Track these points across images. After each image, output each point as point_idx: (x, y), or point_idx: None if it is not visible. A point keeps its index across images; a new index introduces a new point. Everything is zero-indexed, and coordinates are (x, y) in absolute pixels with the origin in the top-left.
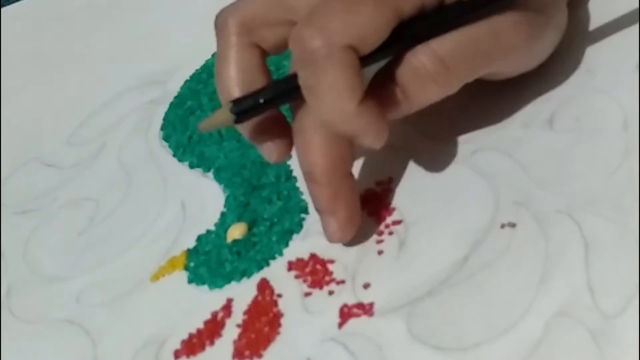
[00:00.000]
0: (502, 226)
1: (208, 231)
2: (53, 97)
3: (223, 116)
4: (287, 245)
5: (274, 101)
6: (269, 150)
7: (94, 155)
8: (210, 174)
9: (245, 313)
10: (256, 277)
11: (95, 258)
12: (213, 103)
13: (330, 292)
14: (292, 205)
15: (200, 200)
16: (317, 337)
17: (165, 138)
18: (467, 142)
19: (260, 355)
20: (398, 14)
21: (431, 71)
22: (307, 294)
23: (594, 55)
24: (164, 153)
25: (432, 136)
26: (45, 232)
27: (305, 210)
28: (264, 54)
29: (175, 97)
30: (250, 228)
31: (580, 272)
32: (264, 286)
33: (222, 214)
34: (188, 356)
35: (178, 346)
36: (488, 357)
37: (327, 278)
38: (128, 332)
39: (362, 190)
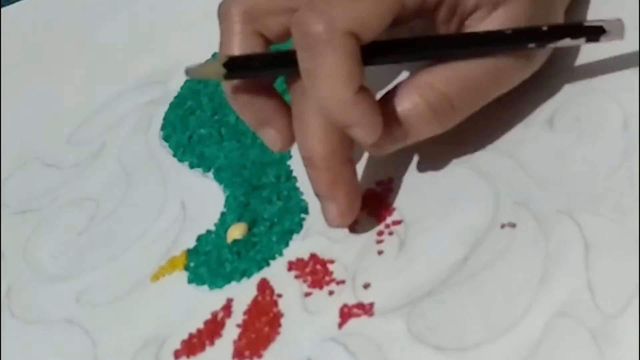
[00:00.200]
0: (502, 226)
1: (208, 231)
2: (53, 97)
3: (214, 68)
4: (287, 245)
5: (268, 68)
6: (272, 139)
7: (94, 155)
8: (210, 174)
9: (245, 313)
10: (256, 277)
11: (95, 258)
12: (213, 103)
13: (331, 292)
14: (292, 205)
15: (200, 200)
16: (317, 337)
17: (165, 138)
18: (467, 142)
19: (260, 355)
20: (400, 3)
21: (437, 110)
22: (307, 294)
23: (594, 56)
24: (164, 153)
25: (432, 137)
26: (45, 232)
27: (305, 210)
28: (267, 42)
29: (175, 97)
30: (250, 228)
31: (580, 272)
32: (264, 286)
33: (222, 214)
34: (188, 356)
35: (178, 346)
36: (488, 357)
37: (327, 278)
38: (128, 332)
39: (362, 190)
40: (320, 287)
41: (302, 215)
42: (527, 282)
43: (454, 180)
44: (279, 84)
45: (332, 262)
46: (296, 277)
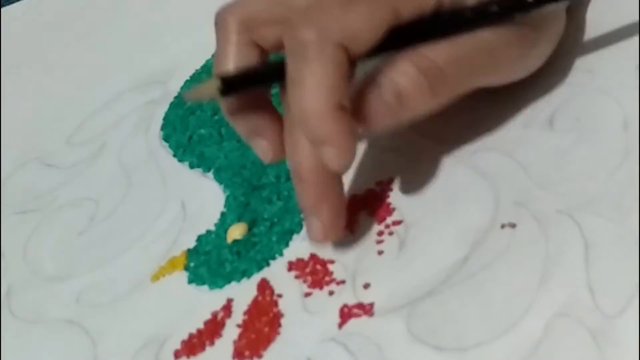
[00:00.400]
0: (502, 226)
1: (208, 231)
2: (53, 97)
3: (209, 89)
4: (287, 245)
5: (262, 82)
6: (263, 150)
7: (94, 155)
8: (210, 174)
9: (245, 313)
10: (256, 277)
11: (95, 258)
12: (213, 103)
13: (331, 292)
14: (292, 205)
15: (200, 200)
16: (317, 337)
17: (165, 138)
18: (467, 142)
19: (260, 356)
20: (395, 16)
21: (430, 79)
22: (307, 294)
23: (594, 55)
24: (164, 153)
25: (432, 136)
26: (45, 232)
27: None
28: (263, 52)
29: (175, 97)
30: (250, 228)
31: (580, 272)
32: (264, 286)
33: (222, 214)
34: (188, 356)
35: (178, 346)
36: (488, 357)
37: (327, 278)
38: (128, 332)
39: (362, 190)
40: (320, 287)
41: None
42: (527, 282)
43: (454, 180)
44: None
45: (332, 262)
46: (296, 277)
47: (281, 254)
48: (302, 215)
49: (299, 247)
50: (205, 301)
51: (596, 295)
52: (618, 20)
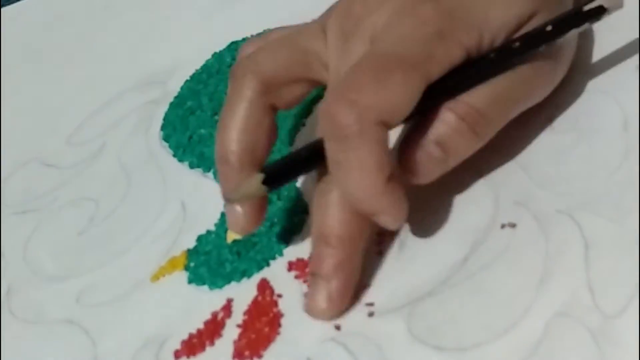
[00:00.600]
0: (502, 226)
1: (208, 231)
2: (53, 97)
3: (254, 187)
4: (287, 245)
5: (304, 169)
6: (235, 220)
7: (94, 155)
8: (210, 174)
9: (245, 313)
10: (256, 277)
11: (95, 258)
12: (213, 103)
13: None
14: (292, 205)
15: (200, 200)
16: (317, 337)
17: (165, 138)
18: None
19: (260, 356)
20: (427, 80)
21: (471, 123)
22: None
23: (594, 55)
24: (164, 153)
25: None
26: (45, 232)
27: (305, 210)
28: (274, 111)
29: (175, 97)
30: None
31: (580, 272)
32: (264, 286)
33: (222, 214)
34: (188, 356)
35: (178, 346)
36: (488, 357)
37: None
38: (128, 332)
39: None
40: None
41: (302, 215)
42: (527, 282)
43: (454, 180)
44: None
45: None
46: (296, 277)
47: (281, 254)
48: (309, 278)
49: (299, 247)
50: (205, 301)
51: (596, 295)
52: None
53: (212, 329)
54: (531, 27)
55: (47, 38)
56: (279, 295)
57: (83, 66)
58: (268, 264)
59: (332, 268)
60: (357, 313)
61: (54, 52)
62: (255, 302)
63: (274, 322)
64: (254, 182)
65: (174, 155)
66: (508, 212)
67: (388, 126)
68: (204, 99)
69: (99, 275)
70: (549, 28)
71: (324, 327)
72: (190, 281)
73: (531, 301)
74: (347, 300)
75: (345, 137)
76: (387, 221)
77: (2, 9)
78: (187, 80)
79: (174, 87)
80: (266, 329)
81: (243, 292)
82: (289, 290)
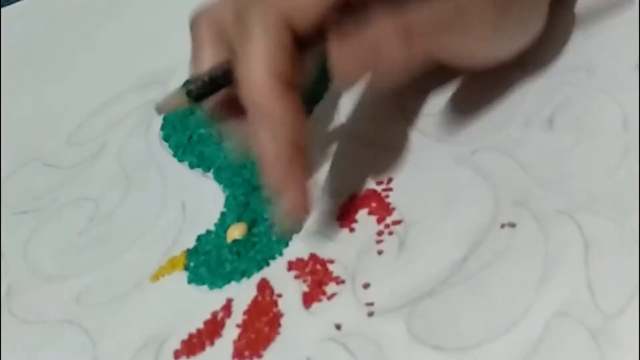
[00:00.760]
0: (502, 226)
1: (208, 231)
2: (53, 97)
3: (179, 99)
4: (287, 245)
5: (225, 82)
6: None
7: (94, 155)
8: (210, 174)
9: (245, 313)
10: (256, 277)
11: (95, 258)
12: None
13: (331, 293)
14: None
15: (200, 200)
16: (317, 337)
17: (165, 138)
18: (467, 142)
19: (260, 355)
20: None
21: (404, 29)
22: (307, 294)
23: (594, 55)
24: (164, 153)
25: (432, 136)
26: (45, 232)
27: None
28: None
29: None
30: (250, 228)
31: (580, 272)
32: (264, 286)
33: (222, 214)
34: (188, 356)
35: (178, 346)
36: (488, 357)
37: (326, 278)
38: (128, 332)
39: (362, 190)
40: (320, 287)
41: None
42: (527, 281)
43: (454, 180)
44: None
45: (332, 262)
46: (296, 277)
47: (281, 254)
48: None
49: (299, 247)
50: (205, 301)
51: (596, 294)
52: (618, 20)
53: (212, 328)
54: None
55: (47, 38)
56: (279, 295)
57: (83, 66)
58: (268, 264)
59: (280, 182)
60: (357, 313)
61: (54, 52)
62: (255, 302)
63: (274, 322)
64: (177, 92)
65: (174, 155)
66: (508, 211)
67: (294, 27)
68: None
69: (99, 275)
70: None
71: (324, 327)
72: (190, 281)
73: (531, 301)
74: (310, 203)
75: (246, 27)
76: (262, 128)
77: (2, 9)
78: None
79: (174, 87)
80: (266, 329)
81: (243, 292)
82: (289, 290)
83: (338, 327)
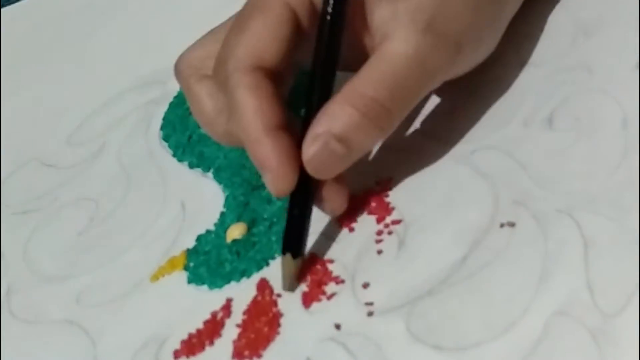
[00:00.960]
0: (502, 225)
1: (208, 231)
2: (53, 97)
3: (290, 266)
4: None
5: (307, 214)
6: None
7: (94, 155)
8: (210, 174)
9: (244, 313)
10: (256, 277)
11: (95, 258)
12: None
13: (330, 292)
14: None
15: (200, 200)
16: (316, 337)
17: (165, 138)
18: (467, 142)
19: (259, 355)
20: (289, 16)
21: (374, 119)
22: (307, 294)
23: (594, 55)
24: (164, 153)
25: (432, 136)
26: (45, 232)
27: None
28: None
29: (175, 97)
30: (249, 228)
31: (580, 271)
32: (263, 286)
33: (222, 214)
34: (188, 356)
35: (178, 346)
36: (488, 356)
37: (326, 278)
38: (128, 332)
39: (361, 189)
40: (320, 287)
41: None
42: (527, 281)
43: (453, 179)
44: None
45: (331, 262)
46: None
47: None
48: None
49: None
50: (205, 301)
51: (596, 294)
52: (618, 20)
53: (212, 328)
54: None
55: (47, 38)
56: (279, 295)
57: (83, 66)
58: (268, 264)
59: (262, 160)
60: (357, 313)
61: (53, 52)
62: (254, 301)
63: (274, 321)
64: (287, 261)
65: (174, 155)
66: (507, 211)
67: (266, 70)
68: None
69: (99, 275)
70: None
71: (324, 327)
72: (189, 281)
73: (530, 300)
74: (295, 174)
75: (227, 87)
76: (267, 179)
77: (2, 9)
78: None
79: (174, 87)
80: (266, 329)
81: (242, 292)
82: None
83: (338, 326)
